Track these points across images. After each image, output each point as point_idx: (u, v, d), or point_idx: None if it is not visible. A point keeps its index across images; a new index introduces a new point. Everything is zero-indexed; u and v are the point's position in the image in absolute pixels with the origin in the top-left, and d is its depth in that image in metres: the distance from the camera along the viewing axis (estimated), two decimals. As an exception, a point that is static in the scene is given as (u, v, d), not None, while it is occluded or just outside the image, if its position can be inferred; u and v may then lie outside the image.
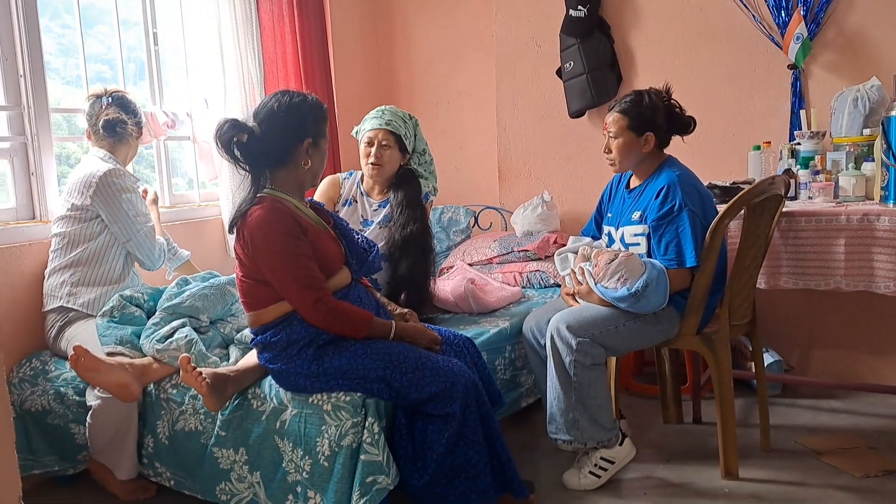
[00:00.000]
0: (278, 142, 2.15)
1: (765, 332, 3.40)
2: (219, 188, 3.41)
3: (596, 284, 2.42)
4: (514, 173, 4.09)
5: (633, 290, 2.32)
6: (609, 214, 2.69)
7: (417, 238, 2.80)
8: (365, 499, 1.98)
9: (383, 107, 2.94)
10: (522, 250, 3.54)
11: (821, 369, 3.39)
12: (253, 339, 2.23)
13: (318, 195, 3.00)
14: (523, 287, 3.39)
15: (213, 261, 3.31)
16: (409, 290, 2.77)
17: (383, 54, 4.52)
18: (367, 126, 2.89)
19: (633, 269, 2.34)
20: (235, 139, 2.09)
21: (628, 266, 2.34)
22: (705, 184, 2.94)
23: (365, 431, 2.04)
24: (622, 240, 2.56)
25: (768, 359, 3.21)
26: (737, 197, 2.33)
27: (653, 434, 2.93)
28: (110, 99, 2.74)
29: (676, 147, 2.61)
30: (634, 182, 2.61)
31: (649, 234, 2.46)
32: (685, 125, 2.54)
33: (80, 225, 2.65)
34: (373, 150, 2.85)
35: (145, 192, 2.97)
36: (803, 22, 3.19)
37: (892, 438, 2.77)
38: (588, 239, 2.72)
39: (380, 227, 2.89)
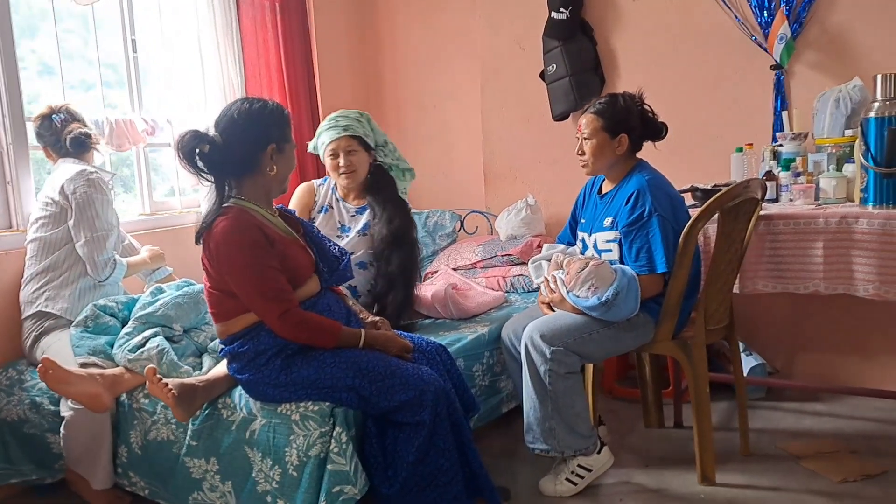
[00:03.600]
0: (241, 149, 2.13)
1: (749, 335, 3.38)
2: (200, 195, 3.41)
3: (568, 293, 2.41)
4: (500, 177, 4.08)
5: (604, 298, 2.30)
6: (583, 220, 2.67)
7: (404, 230, 2.81)
8: (332, 509, 1.98)
9: (333, 115, 2.91)
10: (506, 255, 3.53)
11: (805, 372, 3.37)
12: (222, 350, 2.22)
13: (294, 202, 2.99)
14: (507, 291, 3.38)
15: (194, 269, 3.27)
16: (397, 288, 2.76)
17: (369, 59, 4.51)
18: (326, 139, 2.87)
19: (603, 277, 2.32)
20: (198, 150, 2.08)
21: (598, 275, 2.33)
22: (687, 186, 2.93)
23: (332, 441, 2.03)
24: (595, 246, 2.54)
25: (752, 362, 3.19)
26: (709, 201, 2.31)
27: (633, 439, 2.91)
28: (62, 115, 2.74)
29: (660, 148, 2.60)
30: (606, 187, 2.59)
31: (621, 240, 2.45)
32: (657, 131, 2.53)
33: (56, 229, 2.65)
34: (340, 160, 2.85)
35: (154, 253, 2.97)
36: (787, 22, 3.16)
37: (874, 442, 2.75)
38: (562, 246, 2.71)
39: (360, 236, 2.88)
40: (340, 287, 2.47)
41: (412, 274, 2.83)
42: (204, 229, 2.12)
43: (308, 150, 3.02)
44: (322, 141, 2.90)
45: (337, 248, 2.40)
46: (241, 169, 2.16)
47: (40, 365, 2.20)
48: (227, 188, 2.16)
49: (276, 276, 2.09)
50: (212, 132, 2.14)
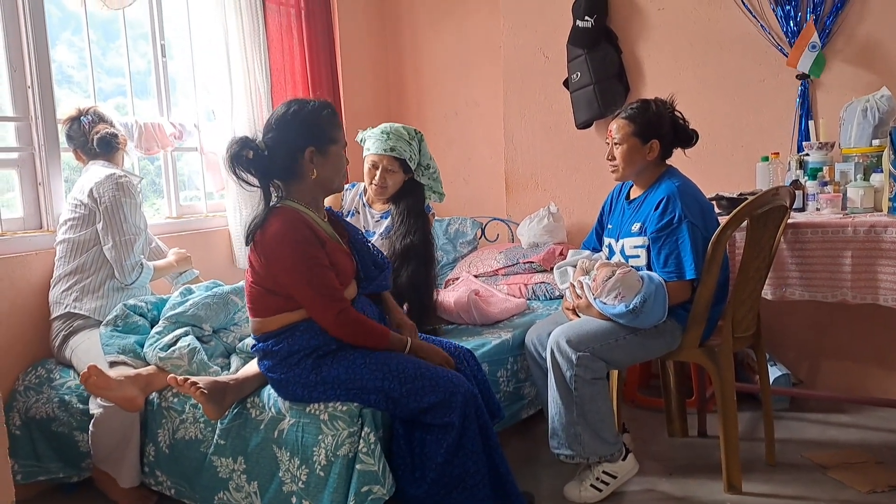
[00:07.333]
0: (280, 154, 2.14)
1: (773, 345, 3.36)
2: (226, 199, 3.44)
3: (595, 299, 2.41)
4: (522, 185, 4.08)
5: (631, 306, 2.30)
6: (609, 226, 2.67)
7: (418, 248, 2.80)
8: (360, 509, 1.98)
9: (388, 128, 2.87)
10: (528, 262, 3.53)
11: (830, 383, 3.34)
12: (254, 346, 2.23)
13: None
14: (529, 298, 3.38)
15: (219, 271, 3.32)
16: (410, 299, 2.77)
17: (392, 66, 4.54)
18: (372, 148, 2.86)
19: (630, 285, 2.32)
20: (244, 156, 2.10)
21: (625, 283, 2.32)
22: (713, 195, 2.93)
23: (361, 441, 2.04)
24: (622, 252, 2.54)
25: (776, 372, 3.17)
26: (738, 208, 2.31)
27: (657, 447, 2.90)
28: (90, 117, 2.78)
29: (686, 156, 2.60)
30: (635, 193, 2.59)
31: (649, 246, 2.44)
32: (688, 138, 2.53)
33: (85, 231, 2.68)
34: (377, 173, 2.86)
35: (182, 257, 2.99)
36: (816, 32, 3.16)
37: (902, 454, 2.73)
38: (587, 252, 2.71)
39: (382, 239, 2.90)
40: None
41: (424, 288, 2.82)
42: (256, 228, 2.13)
43: (356, 140, 2.99)
44: (367, 147, 2.89)
45: (381, 256, 2.41)
46: (285, 173, 2.17)
47: (84, 371, 2.23)
48: (272, 192, 2.17)
49: (329, 273, 2.11)
50: (259, 137, 2.16)
